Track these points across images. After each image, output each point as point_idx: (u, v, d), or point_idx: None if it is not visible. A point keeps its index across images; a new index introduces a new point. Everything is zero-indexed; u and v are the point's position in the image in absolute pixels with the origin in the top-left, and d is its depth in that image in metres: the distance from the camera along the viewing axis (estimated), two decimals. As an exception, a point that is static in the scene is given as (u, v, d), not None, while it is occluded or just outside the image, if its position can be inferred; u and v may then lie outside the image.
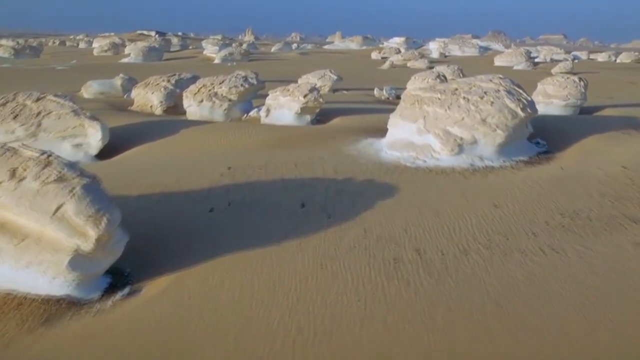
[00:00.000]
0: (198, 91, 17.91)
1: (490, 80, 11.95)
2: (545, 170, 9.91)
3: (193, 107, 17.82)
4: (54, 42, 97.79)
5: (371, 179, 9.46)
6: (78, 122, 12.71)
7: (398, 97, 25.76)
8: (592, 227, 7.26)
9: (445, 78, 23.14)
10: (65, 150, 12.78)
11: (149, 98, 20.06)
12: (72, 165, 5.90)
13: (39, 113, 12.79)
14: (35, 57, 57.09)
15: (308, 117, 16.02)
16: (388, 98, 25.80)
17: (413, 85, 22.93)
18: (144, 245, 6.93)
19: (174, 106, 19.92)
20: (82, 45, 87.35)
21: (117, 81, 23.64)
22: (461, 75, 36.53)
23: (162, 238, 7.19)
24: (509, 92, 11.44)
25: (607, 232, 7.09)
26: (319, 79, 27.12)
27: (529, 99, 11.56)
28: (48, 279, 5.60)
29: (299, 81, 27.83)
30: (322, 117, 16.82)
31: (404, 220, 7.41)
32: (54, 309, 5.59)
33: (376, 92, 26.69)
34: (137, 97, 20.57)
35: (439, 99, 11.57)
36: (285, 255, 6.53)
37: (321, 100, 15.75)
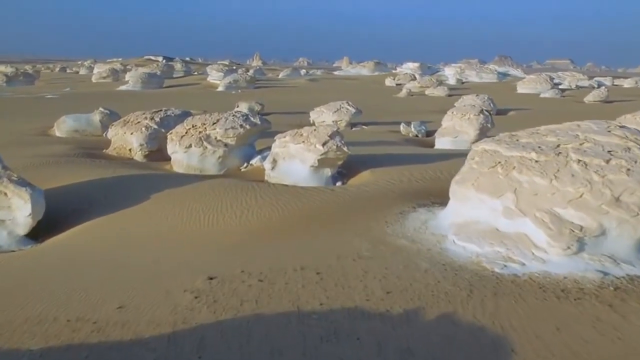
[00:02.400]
0: (186, 133, 14.10)
1: (609, 131, 7.93)
2: None
3: (179, 153, 14.00)
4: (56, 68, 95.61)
5: (452, 316, 5.40)
6: (-1, 188, 8.81)
7: (429, 134, 21.83)
8: None
9: (490, 113, 19.24)
10: (-19, 229, 8.87)
11: (127, 139, 16.26)
12: None
13: (-57, 176, 8.91)
14: (30, 85, 53.95)
15: (328, 172, 12.08)
16: (417, 135, 21.83)
17: (451, 122, 19.00)
18: None
19: (157, 150, 16.13)
20: (82, 71, 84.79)
21: (96, 116, 19.88)
22: (492, 105, 32.53)
23: None
24: (644, 150, 7.42)
25: None
26: (335, 112, 23.26)
27: (676, 161, 7.52)
28: None
29: (312, 114, 24.04)
30: (345, 168, 12.91)
31: None
32: None
33: (402, 128, 22.72)
34: (115, 137, 16.79)
35: (537, 161, 7.56)
36: None
37: (345, 149, 11.81)
